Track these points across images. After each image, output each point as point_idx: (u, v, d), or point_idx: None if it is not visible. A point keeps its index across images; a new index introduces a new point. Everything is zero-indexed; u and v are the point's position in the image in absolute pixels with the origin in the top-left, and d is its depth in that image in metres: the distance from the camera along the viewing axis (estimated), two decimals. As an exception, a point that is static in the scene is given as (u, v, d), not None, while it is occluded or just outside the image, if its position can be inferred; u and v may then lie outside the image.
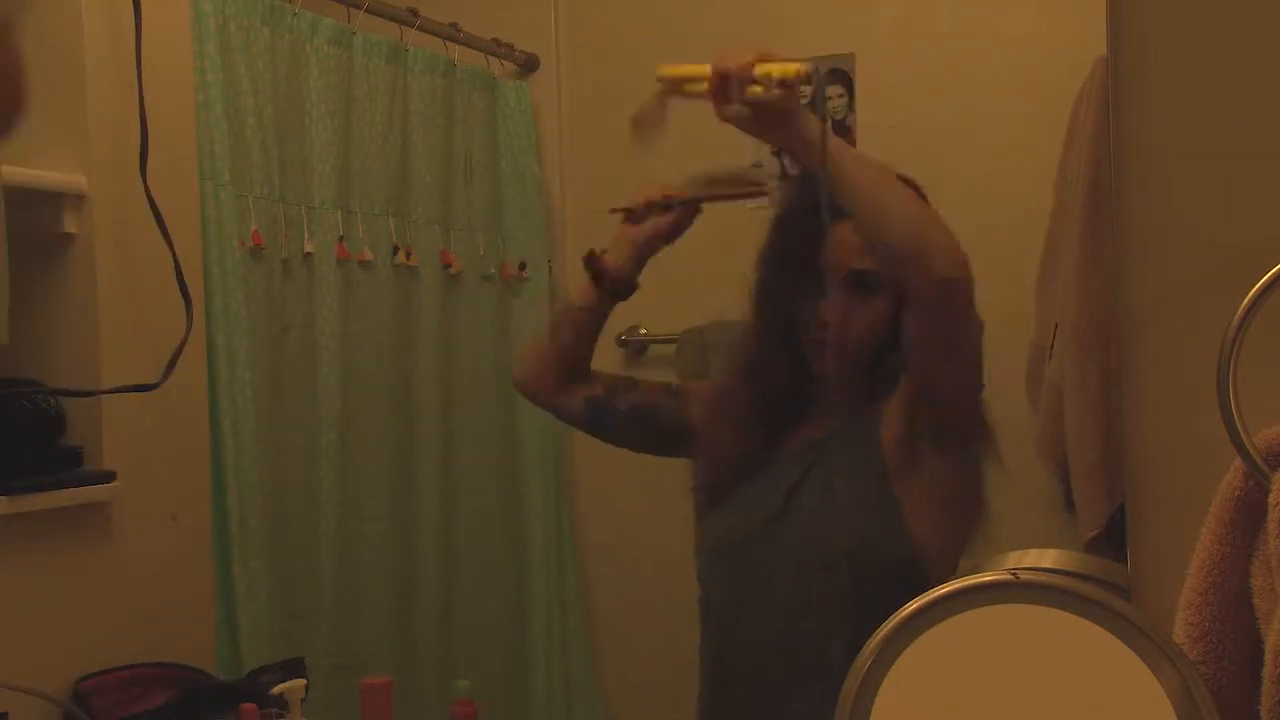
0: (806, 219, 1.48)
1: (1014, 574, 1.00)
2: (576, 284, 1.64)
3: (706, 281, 1.82)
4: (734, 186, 1.56)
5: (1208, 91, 1.12)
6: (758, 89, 1.31)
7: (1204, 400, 1.02)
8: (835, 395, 1.50)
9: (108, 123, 1.58)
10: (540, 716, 2.11)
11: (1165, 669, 0.93)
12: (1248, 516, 1.01)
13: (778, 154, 1.64)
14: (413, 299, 2.08)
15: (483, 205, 2.15)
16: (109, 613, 1.58)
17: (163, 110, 1.62)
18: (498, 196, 2.15)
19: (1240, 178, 1.11)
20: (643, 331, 1.96)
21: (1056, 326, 1.54)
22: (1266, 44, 1.10)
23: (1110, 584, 1.19)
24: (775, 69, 1.31)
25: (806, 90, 1.34)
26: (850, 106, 1.79)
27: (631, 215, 1.61)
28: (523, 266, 2.15)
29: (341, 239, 1.98)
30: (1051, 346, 1.55)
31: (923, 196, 1.42)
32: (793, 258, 1.51)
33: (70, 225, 1.56)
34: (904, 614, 0.98)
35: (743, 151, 1.56)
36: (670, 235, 1.60)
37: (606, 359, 1.76)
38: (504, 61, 2.17)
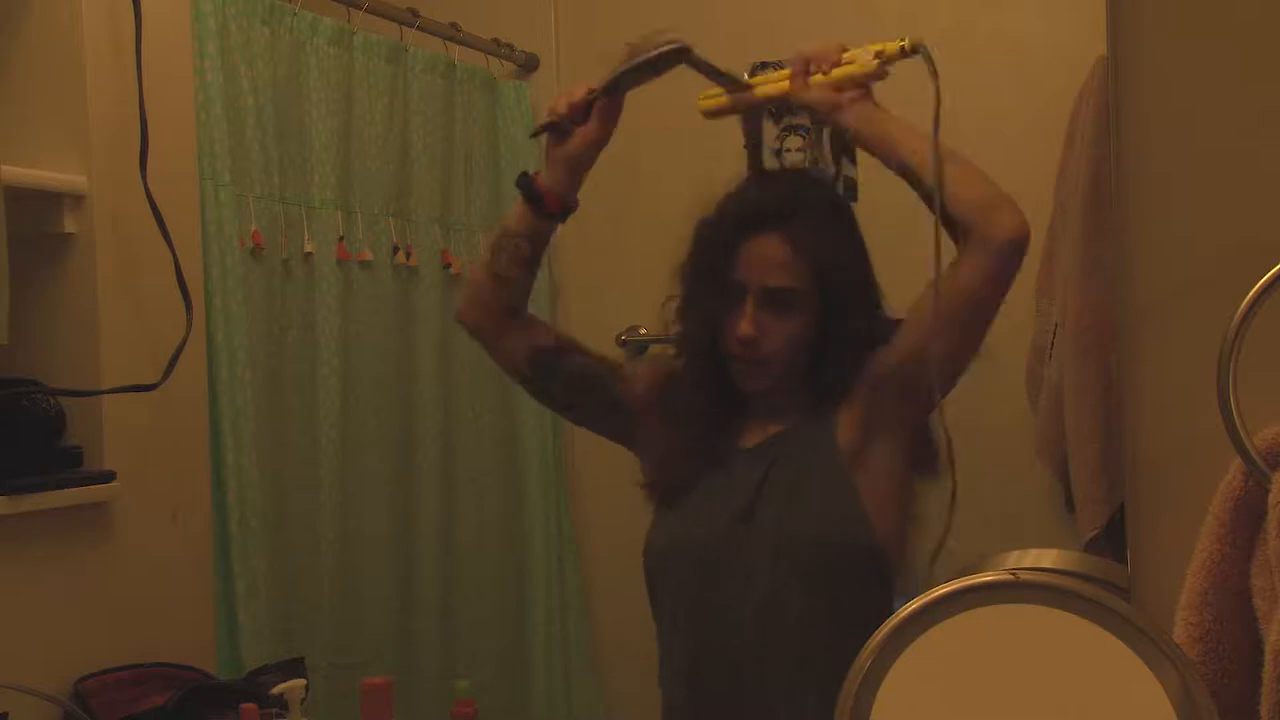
0: (722, 233, 1.46)
1: (1014, 574, 1.00)
2: (513, 209, 1.55)
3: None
4: (646, 55, 1.44)
5: (1208, 91, 1.12)
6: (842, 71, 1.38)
7: (1204, 400, 1.02)
8: (772, 403, 1.47)
9: (108, 123, 1.58)
10: (540, 716, 2.11)
11: (1165, 669, 0.93)
12: (1248, 517, 1.01)
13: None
14: (413, 299, 2.08)
15: (483, 205, 2.16)
16: (109, 613, 1.58)
17: (163, 110, 1.62)
18: (498, 196, 2.15)
19: (1240, 178, 1.11)
20: (643, 331, 1.96)
21: (1056, 326, 1.54)
22: (1266, 44, 1.10)
23: (1110, 584, 1.19)
24: (876, 46, 1.37)
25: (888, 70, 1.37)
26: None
27: (554, 130, 1.50)
28: (522, 267, 2.14)
29: (341, 239, 1.98)
30: (1051, 346, 1.55)
31: None
32: (708, 272, 1.47)
33: (70, 225, 1.57)
34: (904, 614, 0.98)
35: (735, 149, 1.54)
36: (599, 139, 1.49)
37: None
38: (504, 61, 2.17)
